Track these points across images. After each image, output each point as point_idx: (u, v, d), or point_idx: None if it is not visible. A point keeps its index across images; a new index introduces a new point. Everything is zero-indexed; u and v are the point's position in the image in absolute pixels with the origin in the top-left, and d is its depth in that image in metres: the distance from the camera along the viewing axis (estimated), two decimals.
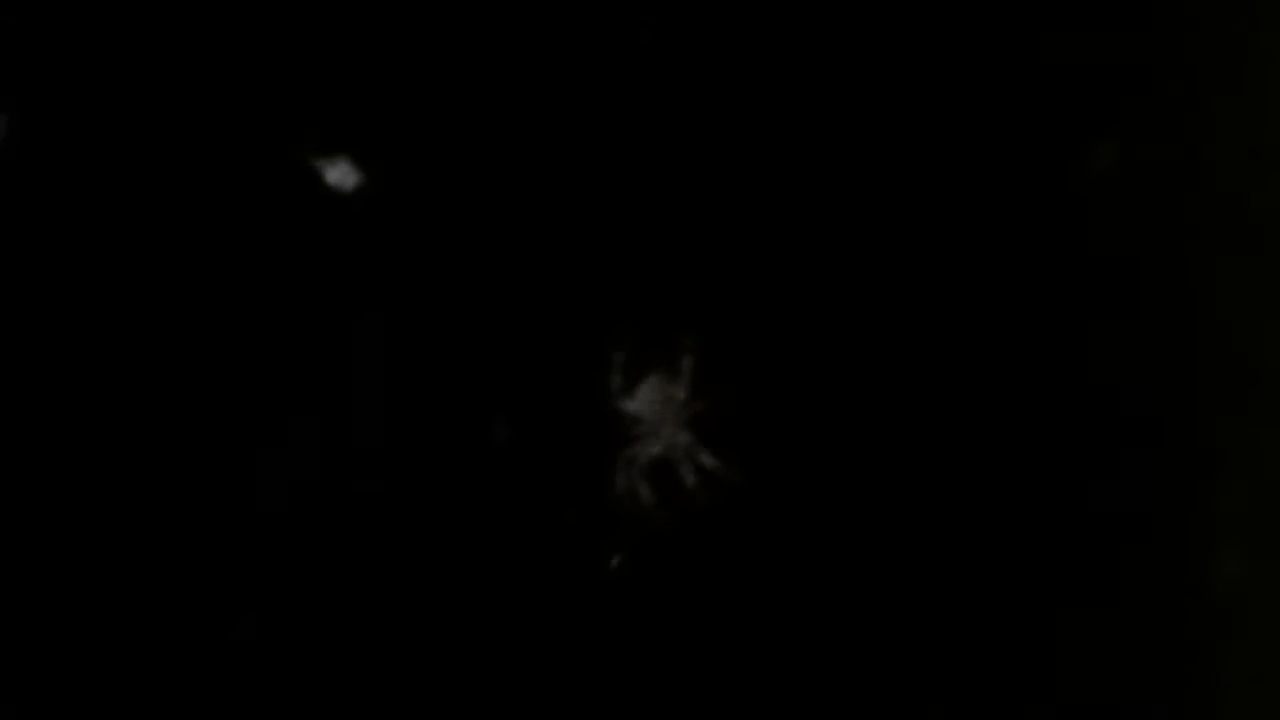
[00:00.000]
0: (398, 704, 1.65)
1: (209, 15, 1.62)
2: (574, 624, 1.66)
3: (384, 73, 1.64)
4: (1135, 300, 1.71)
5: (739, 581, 1.67)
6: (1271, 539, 1.69)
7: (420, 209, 1.65)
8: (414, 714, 1.65)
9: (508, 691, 1.66)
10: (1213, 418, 1.72)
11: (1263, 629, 1.69)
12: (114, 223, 1.63)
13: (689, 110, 1.65)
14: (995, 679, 1.70)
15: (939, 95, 1.66)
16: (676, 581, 1.67)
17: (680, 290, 1.66)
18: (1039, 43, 1.68)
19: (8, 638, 1.61)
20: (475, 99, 1.64)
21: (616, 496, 1.67)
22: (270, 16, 1.63)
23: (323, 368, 1.65)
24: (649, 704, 1.66)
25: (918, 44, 1.66)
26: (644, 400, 1.67)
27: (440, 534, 1.66)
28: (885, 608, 1.67)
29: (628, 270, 1.66)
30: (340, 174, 1.65)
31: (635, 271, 1.66)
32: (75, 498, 1.62)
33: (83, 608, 1.61)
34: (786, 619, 1.68)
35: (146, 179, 1.63)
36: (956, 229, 1.66)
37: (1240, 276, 1.72)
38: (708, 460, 1.67)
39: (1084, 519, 1.70)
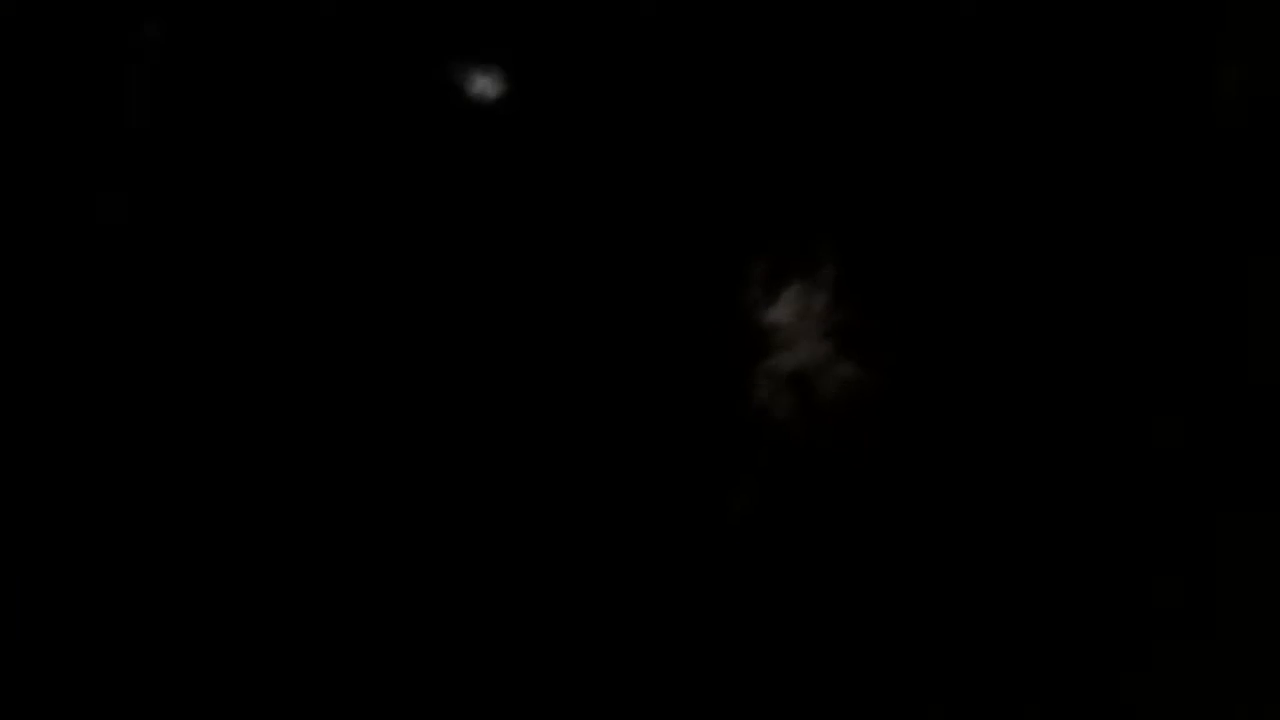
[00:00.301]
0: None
1: None
2: (715, 535, 1.67)
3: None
4: None
5: (881, 495, 1.68)
6: None
7: (561, 120, 1.66)
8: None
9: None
10: None
11: None
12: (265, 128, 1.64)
13: (830, 25, 1.66)
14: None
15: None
16: (815, 495, 1.68)
17: (821, 200, 1.67)
18: None
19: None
20: (620, 18, 1.65)
21: (756, 408, 1.68)
22: None
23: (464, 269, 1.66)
24: (809, 605, 1.67)
25: None
26: (784, 310, 1.68)
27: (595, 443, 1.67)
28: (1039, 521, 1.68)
29: (769, 181, 1.66)
30: (485, 85, 1.65)
31: (777, 182, 1.67)
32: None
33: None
34: (932, 532, 1.68)
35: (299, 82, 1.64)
36: (1095, 140, 1.68)
37: None
38: (848, 371, 1.68)
39: None
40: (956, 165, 1.68)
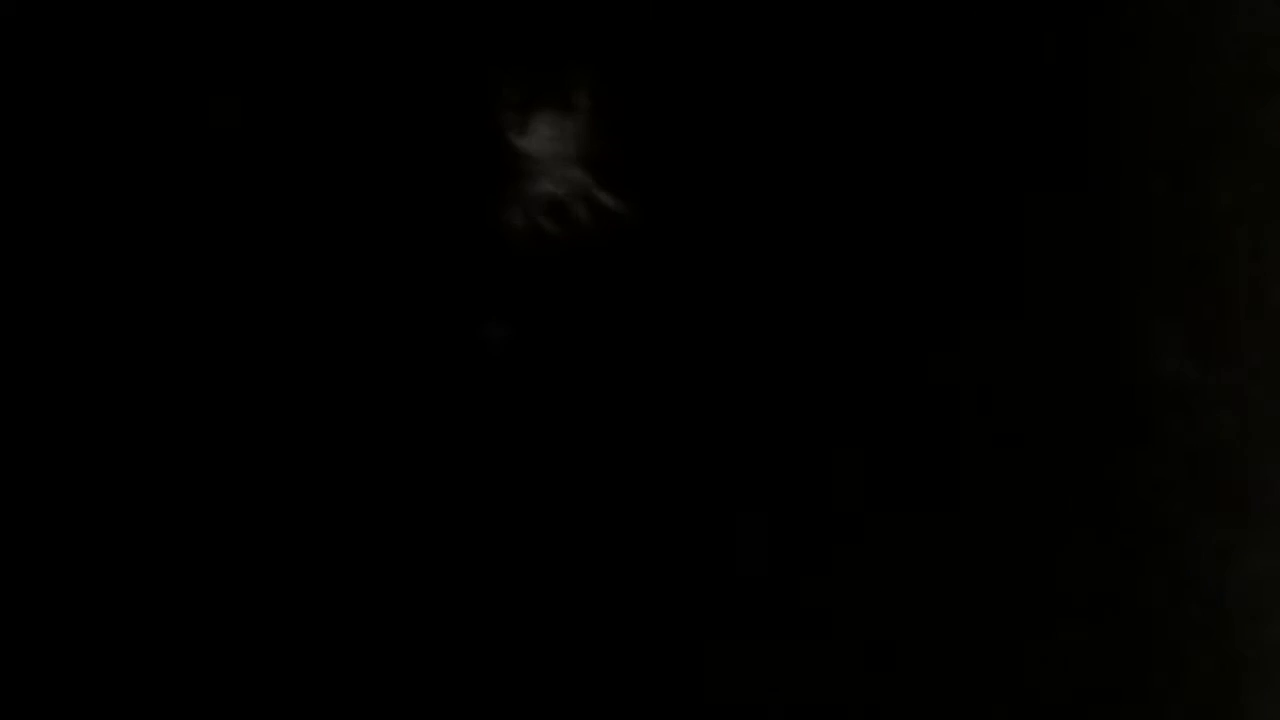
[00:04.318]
0: None
1: None
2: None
3: None
4: None
5: (641, 323, 1.65)
6: None
7: None
8: None
9: None
10: None
11: None
12: None
13: None
14: None
15: None
16: (575, 324, 1.65)
17: (575, 21, 1.64)
18: None
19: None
20: None
21: (512, 232, 1.65)
22: None
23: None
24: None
25: None
26: (538, 138, 1.65)
27: None
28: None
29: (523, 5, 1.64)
30: None
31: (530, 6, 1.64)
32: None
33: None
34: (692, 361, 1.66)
35: None
36: None
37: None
38: (605, 199, 1.65)
39: None
40: None
